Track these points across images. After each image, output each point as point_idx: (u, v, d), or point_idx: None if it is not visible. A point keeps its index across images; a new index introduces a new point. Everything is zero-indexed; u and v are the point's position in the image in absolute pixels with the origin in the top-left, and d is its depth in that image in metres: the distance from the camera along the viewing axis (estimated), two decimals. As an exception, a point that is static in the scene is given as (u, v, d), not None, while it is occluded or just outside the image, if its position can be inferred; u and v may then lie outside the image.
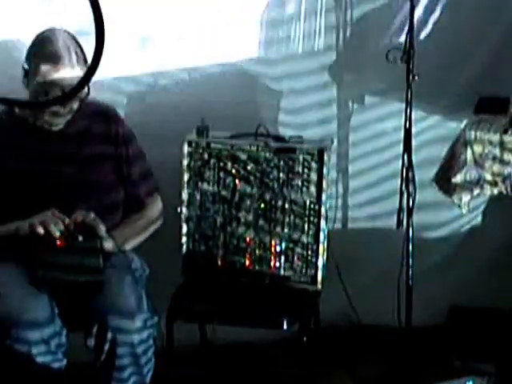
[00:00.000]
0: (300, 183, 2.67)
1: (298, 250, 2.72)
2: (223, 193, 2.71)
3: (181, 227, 2.74)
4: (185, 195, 2.72)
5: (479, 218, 3.45)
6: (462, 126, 2.96)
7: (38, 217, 2.39)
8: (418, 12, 2.78)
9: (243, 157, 2.68)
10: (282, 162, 2.67)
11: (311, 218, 2.69)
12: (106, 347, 2.33)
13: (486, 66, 3.22)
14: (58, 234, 2.36)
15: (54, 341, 2.31)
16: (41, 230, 2.36)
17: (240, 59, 3.30)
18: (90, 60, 1.31)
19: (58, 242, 2.37)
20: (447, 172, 2.88)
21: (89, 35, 1.42)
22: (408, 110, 2.76)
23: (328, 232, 2.75)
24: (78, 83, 2.22)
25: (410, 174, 2.78)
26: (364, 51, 3.32)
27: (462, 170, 2.81)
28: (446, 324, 3.19)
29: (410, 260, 2.79)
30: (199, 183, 2.71)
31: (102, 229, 2.44)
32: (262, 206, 2.71)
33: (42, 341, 2.28)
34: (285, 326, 2.58)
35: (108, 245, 2.50)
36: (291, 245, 2.72)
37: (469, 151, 2.82)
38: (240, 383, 3.06)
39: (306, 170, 2.66)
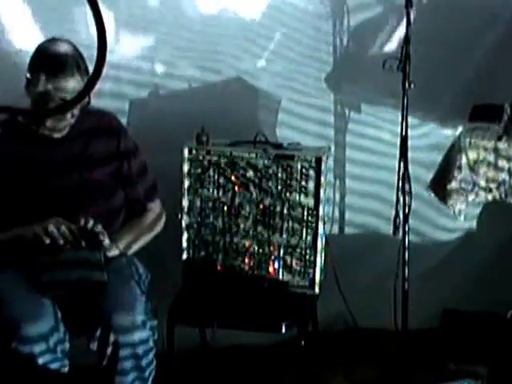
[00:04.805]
0: (298, 189, 2.71)
1: (297, 254, 2.76)
2: (223, 199, 2.75)
3: (181, 233, 2.78)
4: (185, 202, 2.76)
5: (473, 224, 3.49)
6: (457, 133, 3.00)
7: (41, 224, 2.42)
8: (414, 21, 2.80)
9: (242, 164, 2.72)
10: (280, 169, 2.71)
11: (309, 224, 2.73)
12: (109, 351, 2.38)
13: (480, 74, 3.26)
14: (61, 240, 2.40)
15: (58, 346, 2.35)
16: (45, 237, 2.40)
17: (239, 68, 3.35)
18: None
19: (62, 249, 2.40)
20: (442, 179, 2.92)
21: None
22: (404, 118, 2.80)
23: (326, 237, 2.79)
24: (80, 93, 2.26)
25: (406, 181, 2.82)
26: (361, 60, 3.36)
27: (457, 177, 2.86)
28: (440, 327, 3.22)
29: (406, 264, 2.83)
30: (199, 190, 2.75)
31: (105, 235, 2.48)
32: (261, 211, 2.75)
33: (46, 346, 2.31)
34: (283, 330, 2.61)
35: (110, 250, 2.54)
36: (290, 250, 2.76)
37: (464, 158, 2.86)
38: (239, 386, 3.09)
39: (304, 177, 2.70)
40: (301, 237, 2.74)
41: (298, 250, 2.75)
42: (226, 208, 2.75)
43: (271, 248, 2.76)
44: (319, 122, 3.43)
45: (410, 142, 2.81)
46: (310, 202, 2.71)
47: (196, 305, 2.71)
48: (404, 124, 2.79)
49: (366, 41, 3.36)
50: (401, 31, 2.77)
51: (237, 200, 2.74)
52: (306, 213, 2.72)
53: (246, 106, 3.35)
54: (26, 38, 2.98)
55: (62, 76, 2.45)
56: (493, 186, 2.85)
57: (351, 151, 3.47)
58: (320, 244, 2.74)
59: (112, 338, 2.37)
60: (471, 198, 2.88)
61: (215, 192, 2.74)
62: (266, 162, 2.71)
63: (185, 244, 2.79)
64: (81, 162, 2.62)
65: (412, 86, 2.75)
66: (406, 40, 2.74)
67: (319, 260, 2.75)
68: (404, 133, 2.80)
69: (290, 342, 2.73)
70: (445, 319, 3.23)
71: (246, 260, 2.78)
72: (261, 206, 2.74)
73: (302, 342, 2.62)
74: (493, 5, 3.29)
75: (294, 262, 2.76)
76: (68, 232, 2.41)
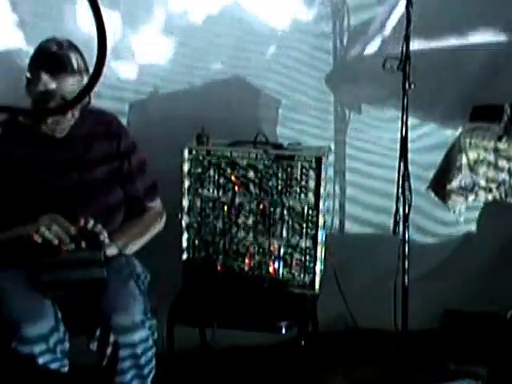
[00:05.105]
0: (298, 189, 2.71)
1: (297, 255, 2.76)
2: (223, 199, 2.75)
3: (181, 233, 2.78)
4: (185, 202, 2.76)
5: (474, 224, 3.49)
6: (457, 133, 3.00)
7: (41, 223, 2.42)
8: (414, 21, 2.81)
9: (242, 164, 2.72)
10: (280, 169, 2.71)
11: (309, 224, 2.73)
12: (109, 351, 2.38)
13: (480, 74, 3.27)
14: (61, 240, 2.40)
15: (57, 346, 2.35)
16: (44, 237, 2.40)
17: (240, 68, 3.35)
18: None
19: (61, 248, 2.40)
20: (442, 179, 2.92)
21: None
22: (404, 118, 2.80)
23: (326, 237, 2.80)
24: (80, 92, 2.26)
25: (406, 181, 2.82)
26: (361, 60, 3.36)
27: (457, 177, 2.86)
28: (441, 328, 3.22)
29: (406, 265, 2.83)
30: (199, 190, 2.75)
31: (105, 234, 2.48)
32: (261, 211, 2.75)
33: (46, 346, 2.31)
34: (283, 330, 2.61)
35: (110, 249, 2.54)
36: (290, 250, 2.76)
37: (464, 158, 2.86)
38: (239, 387, 3.10)
39: (304, 177, 2.70)
40: (301, 237, 2.75)
41: (298, 250, 2.76)
42: (226, 208, 2.75)
43: (271, 248, 2.76)
44: (319, 122, 3.43)
45: (410, 143, 2.82)
46: (310, 201, 2.71)
47: (196, 305, 2.71)
48: (404, 124, 2.79)
49: (365, 41, 3.36)
50: (401, 31, 2.75)
51: (237, 200, 2.74)
52: (306, 213, 2.72)
53: (247, 106, 3.35)
54: (26, 38, 2.98)
55: (62, 75, 2.46)
56: (493, 185, 2.85)
57: (351, 150, 3.47)
58: (320, 244, 2.74)
59: (112, 338, 2.37)
60: (471, 198, 2.88)
61: (215, 192, 2.75)
62: (266, 162, 2.71)
63: (185, 244, 2.79)
64: (81, 161, 2.62)
65: (412, 86, 2.76)
66: (406, 40, 2.74)
67: (319, 260, 2.75)
68: (404, 133, 2.81)
69: (289, 342, 2.73)
70: (445, 320, 3.23)
71: (246, 260, 2.78)
72: (261, 206, 2.74)
73: (302, 342, 2.62)
74: (493, 4, 3.30)
75: (293, 261, 2.76)
76: (67, 230, 2.40)
